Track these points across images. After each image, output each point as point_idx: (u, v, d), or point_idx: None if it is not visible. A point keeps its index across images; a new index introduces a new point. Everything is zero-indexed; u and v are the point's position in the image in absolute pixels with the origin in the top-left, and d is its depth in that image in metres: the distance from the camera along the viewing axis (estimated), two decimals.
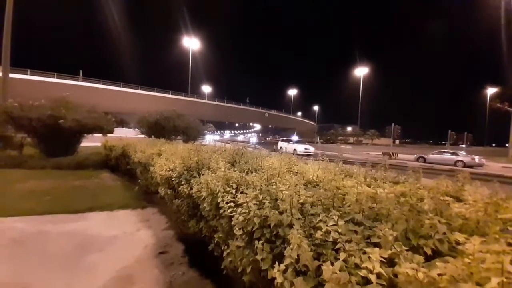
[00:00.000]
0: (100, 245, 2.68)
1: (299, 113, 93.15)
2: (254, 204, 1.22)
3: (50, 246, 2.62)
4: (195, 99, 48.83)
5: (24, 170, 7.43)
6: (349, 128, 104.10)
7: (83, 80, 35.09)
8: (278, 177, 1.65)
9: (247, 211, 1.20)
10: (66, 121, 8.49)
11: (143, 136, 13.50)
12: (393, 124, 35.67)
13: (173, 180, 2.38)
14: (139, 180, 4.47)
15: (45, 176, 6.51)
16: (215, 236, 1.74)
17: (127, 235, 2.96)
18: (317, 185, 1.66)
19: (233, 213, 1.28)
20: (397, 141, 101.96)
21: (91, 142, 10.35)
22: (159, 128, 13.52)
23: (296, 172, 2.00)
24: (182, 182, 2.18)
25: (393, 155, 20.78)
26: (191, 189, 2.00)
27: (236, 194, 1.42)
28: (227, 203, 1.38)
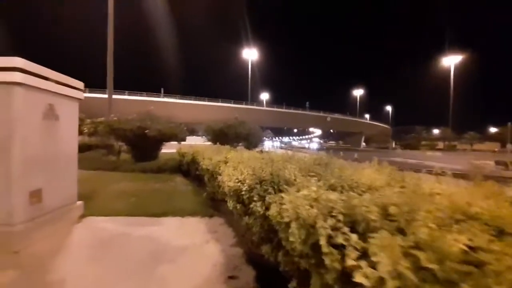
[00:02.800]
0: (172, 255, 2.59)
1: (367, 116, 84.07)
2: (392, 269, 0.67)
3: (128, 251, 2.69)
4: (254, 107, 50.60)
5: (119, 172, 8.83)
6: (435, 131, 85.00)
7: (163, 96, 41.47)
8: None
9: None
10: (150, 131, 9.78)
11: (209, 143, 14.51)
12: (510, 123, 26.47)
13: (242, 194, 2.03)
14: (207, 188, 4.45)
15: (133, 179, 7.49)
16: (302, 275, 1.25)
17: (196, 247, 2.80)
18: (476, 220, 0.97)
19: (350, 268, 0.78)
20: (509, 146, 78.08)
21: (168, 149, 11.63)
22: (223, 135, 14.24)
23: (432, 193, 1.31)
24: (255, 198, 1.80)
25: (510, 165, 15.66)
26: (267, 209, 1.58)
27: (347, 234, 0.90)
28: (335, 246, 0.88)
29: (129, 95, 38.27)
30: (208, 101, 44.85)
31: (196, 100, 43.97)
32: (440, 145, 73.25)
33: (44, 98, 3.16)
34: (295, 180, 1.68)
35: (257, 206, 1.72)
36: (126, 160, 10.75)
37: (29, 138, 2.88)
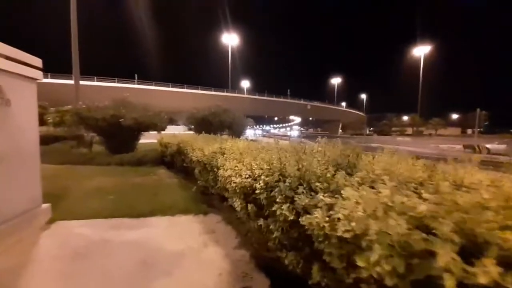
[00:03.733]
0: (166, 265, 2.19)
1: (344, 104, 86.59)
2: None
3: (111, 263, 2.23)
4: (236, 94, 49.47)
5: (92, 166, 7.96)
6: (405, 118, 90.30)
7: (138, 83, 38.69)
8: None
9: None
10: (126, 120, 8.89)
11: (191, 132, 13.83)
12: (478, 109, 28.49)
13: (257, 193, 1.68)
14: (198, 181, 4.02)
15: (109, 173, 6.76)
16: None
17: (194, 252, 2.42)
18: None
19: None
20: (469, 131, 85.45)
21: (147, 139, 10.79)
22: (206, 123, 13.61)
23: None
24: (278, 200, 1.45)
25: (479, 149, 16.79)
26: (298, 214, 1.25)
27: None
28: None
29: (98, 81, 35.02)
30: (187, 89, 42.76)
31: (174, 87, 41.66)
32: (409, 130, 78.44)
33: None
34: (332, 176, 1.35)
35: (283, 210, 1.37)
36: (99, 152, 9.77)
37: None
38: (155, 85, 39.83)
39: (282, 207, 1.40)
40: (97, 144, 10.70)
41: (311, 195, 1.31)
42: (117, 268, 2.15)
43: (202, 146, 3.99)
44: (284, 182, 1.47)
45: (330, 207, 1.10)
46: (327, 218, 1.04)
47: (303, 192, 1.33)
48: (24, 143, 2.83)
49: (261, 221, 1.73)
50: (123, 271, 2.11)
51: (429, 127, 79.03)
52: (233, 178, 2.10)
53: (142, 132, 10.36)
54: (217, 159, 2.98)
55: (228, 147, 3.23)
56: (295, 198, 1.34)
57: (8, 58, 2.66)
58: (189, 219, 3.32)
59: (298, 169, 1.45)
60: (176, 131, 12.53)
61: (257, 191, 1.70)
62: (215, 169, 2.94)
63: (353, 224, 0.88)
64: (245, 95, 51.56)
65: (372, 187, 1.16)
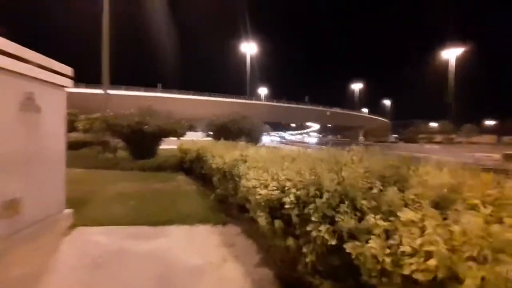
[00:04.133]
0: (184, 281, 2.03)
1: (365, 110, 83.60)
2: None
3: (127, 275, 2.12)
4: (253, 101, 49.85)
5: (116, 171, 8.21)
6: (433, 124, 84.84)
7: (161, 91, 40.51)
8: None
9: None
10: (149, 126, 9.15)
11: (208, 139, 13.97)
12: None
13: (287, 208, 1.47)
14: (217, 189, 3.87)
15: (131, 178, 6.90)
16: None
17: (213, 268, 2.24)
18: None
19: None
20: (505, 138, 78.06)
21: (167, 145, 11.03)
22: (225, 130, 13.66)
23: None
24: (313, 218, 1.23)
25: None
26: (341, 238, 1.02)
27: None
28: None
29: (125, 90, 37.23)
30: (207, 96, 43.94)
31: (194, 95, 43.03)
32: (438, 138, 73.22)
33: (21, 84, 2.55)
34: (380, 192, 1.11)
35: (321, 232, 1.15)
36: (123, 157, 10.13)
37: (0, 134, 2.27)
38: (177, 93, 41.46)
39: (320, 228, 1.17)
40: (122, 150, 11.13)
41: (355, 215, 1.07)
42: (133, 281, 2.03)
43: (222, 153, 3.86)
44: (321, 197, 1.25)
45: (388, 233, 0.86)
46: (388, 250, 0.81)
47: (346, 212, 1.10)
48: (51, 149, 2.89)
49: (290, 241, 1.51)
50: (140, 285, 1.98)
51: (461, 134, 73.48)
52: (258, 190, 1.91)
53: (163, 138, 10.61)
54: (238, 167, 2.82)
55: (250, 154, 3.06)
56: (337, 219, 1.12)
57: (39, 66, 2.75)
58: (208, 229, 3.17)
59: (339, 183, 1.23)
60: (195, 138, 12.73)
61: (287, 206, 1.49)
62: (236, 178, 2.78)
63: (432, 262, 0.65)
64: (263, 102, 51.79)
65: (436, 209, 0.91)
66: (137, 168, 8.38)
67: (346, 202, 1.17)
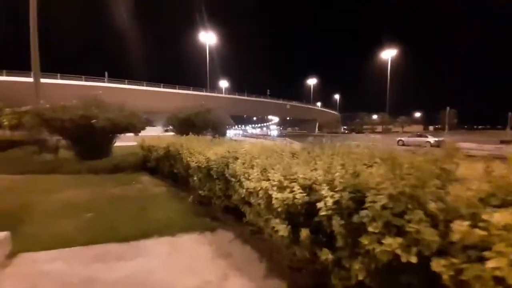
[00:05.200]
0: None
1: (319, 103, 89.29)
2: None
3: None
4: (215, 94, 48.33)
5: (60, 175, 6.86)
6: (375, 117, 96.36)
7: (108, 81, 35.84)
8: None
9: None
10: (99, 121, 7.85)
11: (171, 134, 12.98)
12: (448, 108, 30.77)
13: (321, 215, 1.22)
14: (200, 191, 3.43)
15: (81, 183, 5.82)
16: None
17: None
18: None
19: None
20: (430, 128, 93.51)
21: (123, 142, 9.77)
22: (189, 124, 12.80)
23: None
24: (372, 229, 1.00)
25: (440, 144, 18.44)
26: (420, 255, 0.82)
27: None
28: None
29: (62, 78, 31.57)
30: (164, 88, 40.52)
31: (148, 86, 39.20)
32: (379, 128, 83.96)
33: None
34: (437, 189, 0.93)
35: (387, 246, 0.93)
36: (67, 159, 8.56)
37: None
38: (127, 84, 37.16)
39: (385, 241, 0.96)
40: (64, 150, 9.41)
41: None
42: None
43: (201, 150, 3.42)
44: (374, 202, 1.03)
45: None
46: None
47: (421, 220, 0.90)
48: None
49: (325, 254, 1.27)
50: None
51: (396, 124, 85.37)
52: (272, 192, 1.61)
53: (117, 135, 9.32)
54: (228, 165, 2.47)
55: (238, 150, 2.72)
56: (409, 229, 0.91)
57: None
58: (195, 238, 2.75)
59: (405, 185, 1.01)
60: (154, 133, 11.61)
61: (322, 213, 1.24)
62: (231, 178, 2.42)
63: None
64: (225, 95, 50.50)
65: None
66: (86, 171, 7.14)
67: (410, 206, 0.98)
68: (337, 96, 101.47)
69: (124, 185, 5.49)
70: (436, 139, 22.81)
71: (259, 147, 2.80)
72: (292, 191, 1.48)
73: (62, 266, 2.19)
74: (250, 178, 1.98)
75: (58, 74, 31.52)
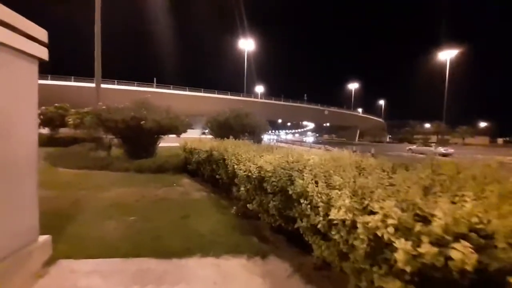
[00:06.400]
0: None
1: (360, 110, 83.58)
2: None
3: None
4: (252, 99, 48.85)
5: (110, 172, 7.21)
6: (427, 125, 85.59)
7: (156, 87, 39.02)
8: None
9: None
10: (147, 122, 8.16)
11: (208, 136, 13.12)
12: None
13: None
14: (248, 205, 2.98)
15: (128, 182, 5.93)
16: None
17: None
18: None
19: None
20: (500, 140, 79.50)
21: (166, 143, 10.07)
22: (228, 127, 12.76)
23: None
24: None
25: None
26: None
27: None
28: None
29: (118, 84, 35.52)
30: (204, 93, 42.53)
31: (190, 91, 41.60)
32: (433, 138, 73.80)
33: None
34: None
35: None
36: (118, 156, 9.08)
37: None
38: (172, 89, 39.97)
39: None
40: (116, 147, 10.09)
41: None
42: None
43: (252, 157, 2.97)
44: None
45: None
46: None
47: None
48: (14, 149, 1.94)
49: None
50: None
51: (455, 135, 74.37)
52: (388, 237, 1.03)
53: (162, 136, 9.64)
54: (293, 180, 1.94)
55: (301, 160, 2.18)
56: None
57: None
58: (243, 265, 2.27)
59: None
60: (194, 135, 11.82)
61: None
62: (295, 197, 1.89)
63: None
64: (261, 100, 50.72)
65: None
66: (133, 169, 7.38)
67: None
68: (381, 102, 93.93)
69: (166, 187, 5.40)
70: (446, 149, 24.96)
71: (326, 157, 2.22)
72: (441, 244, 0.88)
73: (99, 282, 1.92)
74: (332, 203, 1.43)
75: (115, 81, 35.43)
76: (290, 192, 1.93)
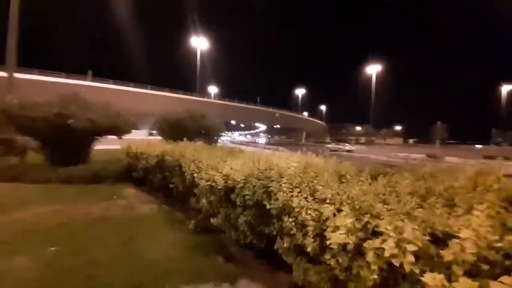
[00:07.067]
0: None
1: (305, 113, 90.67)
2: None
3: None
4: (206, 99, 47.24)
5: (24, 185, 5.64)
6: (358, 128, 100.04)
7: (92, 80, 33.77)
8: None
9: None
10: (77, 121, 6.74)
11: (157, 138, 11.97)
12: (438, 122, 31.52)
13: None
14: (211, 219, 2.56)
15: (50, 196, 4.71)
16: None
17: None
18: None
19: None
20: (410, 141, 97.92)
21: (104, 145, 8.63)
22: (181, 128, 11.82)
23: None
24: None
25: (439, 158, 18.40)
26: None
27: None
28: None
29: (40, 74, 29.20)
30: (152, 90, 38.75)
31: (135, 87, 37.33)
32: (362, 139, 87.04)
33: None
34: None
35: None
36: (36, 163, 7.28)
37: None
38: (113, 84, 35.17)
39: None
40: (34, 152, 8.07)
41: None
42: None
43: (215, 164, 2.58)
44: None
45: None
46: None
47: None
48: None
49: None
50: None
51: (379, 136, 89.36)
52: (409, 268, 0.83)
53: (98, 137, 8.18)
54: (270, 192, 1.66)
55: (272, 165, 1.92)
56: None
57: None
58: None
59: None
60: (139, 137, 10.53)
61: None
62: (275, 212, 1.61)
63: None
64: (215, 100, 49.45)
65: None
66: (58, 179, 5.95)
67: None
68: (323, 107, 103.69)
69: (103, 201, 4.45)
70: (349, 147, 32.32)
71: (302, 163, 2.01)
72: (473, 274, 0.71)
73: None
74: (328, 223, 1.19)
75: (36, 70, 29.20)
76: (268, 207, 1.64)
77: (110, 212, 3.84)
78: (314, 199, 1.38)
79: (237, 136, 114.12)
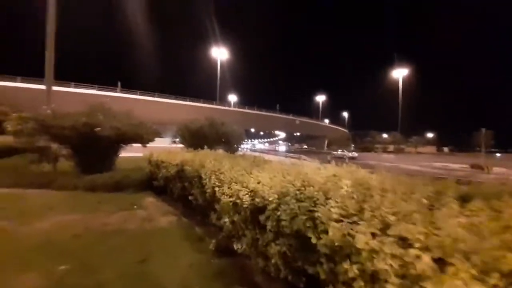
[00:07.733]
0: None
1: (326, 120, 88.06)
2: None
3: None
4: (225, 107, 48.02)
5: (52, 191, 5.77)
6: (384, 135, 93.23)
7: (121, 91, 35.99)
8: None
9: None
10: (103, 129, 6.88)
11: (179, 146, 12.00)
12: (483, 129, 27.76)
13: None
14: (237, 245, 2.19)
15: (73, 204, 4.68)
16: None
17: None
18: None
19: None
20: (445, 149, 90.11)
21: (129, 152, 8.75)
22: (201, 136, 11.79)
23: None
24: None
25: (487, 169, 16.16)
26: None
27: None
28: None
29: (75, 87, 31.78)
30: (175, 99, 40.28)
31: (159, 97, 39.13)
32: (390, 147, 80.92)
33: None
34: None
35: None
36: (66, 171, 7.53)
37: None
38: (139, 95, 37.13)
39: None
40: (66, 159, 8.40)
41: None
42: None
43: (239, 177, 2.22)
44: None
45: None
46: None
47: None
48: None
49: None
50: None
51: (409, 144, 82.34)
52: None
53: (123, 145, 8.32)
54: (315, 218, 1.25)
55: (315, 183, 1.51)
56: None
57: None
58: None
59: None
60: (162, 145, 10.61)
61: None
62: (324, 250, 1.19)
63: None
64: (235, 108, 50.08)
65: None
66: (83, 187, 6.02)
67: None
68: (345, 114, 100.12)
69: (122, 211, 4.30)
70: (352, 154, 33.88)
71: (349, 178, 1.57)
72: None
73: None
74: (426, 284, 0.75)
75: (72, 83, 31.79)
76: (314, 241, 1.23)
77: (128, 224, 3.64)
78: (388, 236, 0.95)
79: (257, 144, 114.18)
